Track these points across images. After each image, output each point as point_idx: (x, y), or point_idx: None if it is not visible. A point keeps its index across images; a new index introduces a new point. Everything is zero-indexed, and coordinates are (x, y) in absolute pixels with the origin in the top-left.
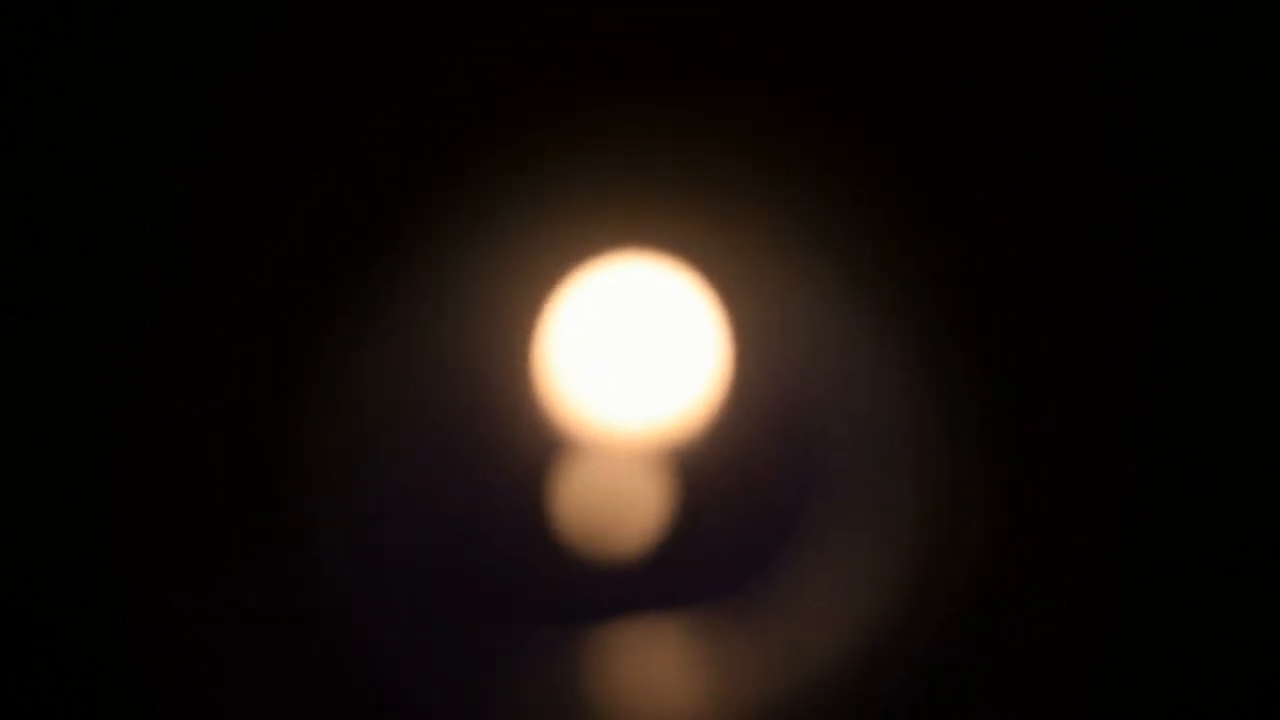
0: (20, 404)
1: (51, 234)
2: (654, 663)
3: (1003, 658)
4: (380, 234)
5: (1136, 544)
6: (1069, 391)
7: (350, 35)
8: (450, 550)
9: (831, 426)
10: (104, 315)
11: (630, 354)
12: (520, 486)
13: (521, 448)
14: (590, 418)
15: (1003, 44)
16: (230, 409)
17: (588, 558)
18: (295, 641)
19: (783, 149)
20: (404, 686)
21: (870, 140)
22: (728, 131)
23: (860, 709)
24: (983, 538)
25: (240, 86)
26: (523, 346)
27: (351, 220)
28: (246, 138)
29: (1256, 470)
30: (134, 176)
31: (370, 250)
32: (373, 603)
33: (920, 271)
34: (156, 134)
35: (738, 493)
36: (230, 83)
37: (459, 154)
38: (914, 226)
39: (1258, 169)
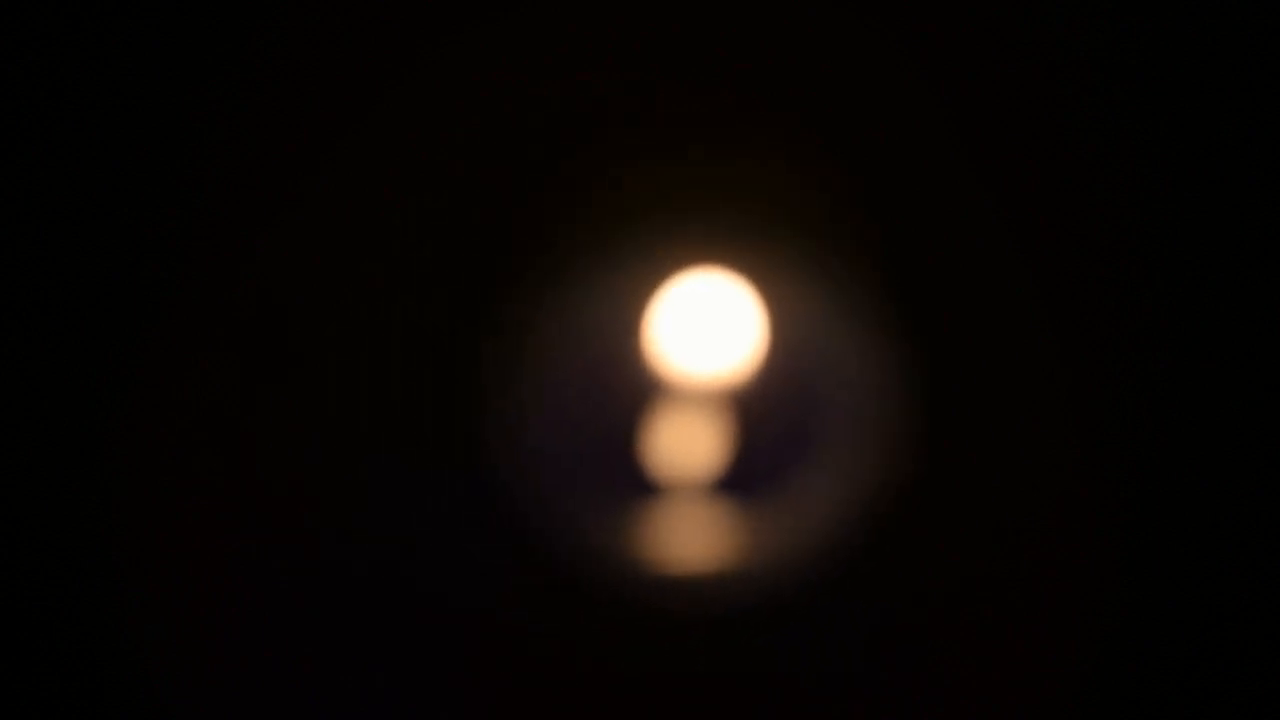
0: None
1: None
2: (707, 533)
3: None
4: (539, 247)
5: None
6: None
7: (463, 66)
8: (583, 452)
9: (833, 385)
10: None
11: (703, 333)
12: (630, 414)
13: (632, 391)
14: (676, 374)
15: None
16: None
17: (671, 464)
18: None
19: (813, 189)
20: (552, 532)
21: (870, 171)
22: (773, 175)
23: (845, 572)
24: (916, 459)
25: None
26: (635, 326)
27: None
28: (382, 155)
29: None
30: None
31: (531, 258)
32: (535, 483)
33: (897, 281)
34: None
35: (769, 425)
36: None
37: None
38: (902, 246)
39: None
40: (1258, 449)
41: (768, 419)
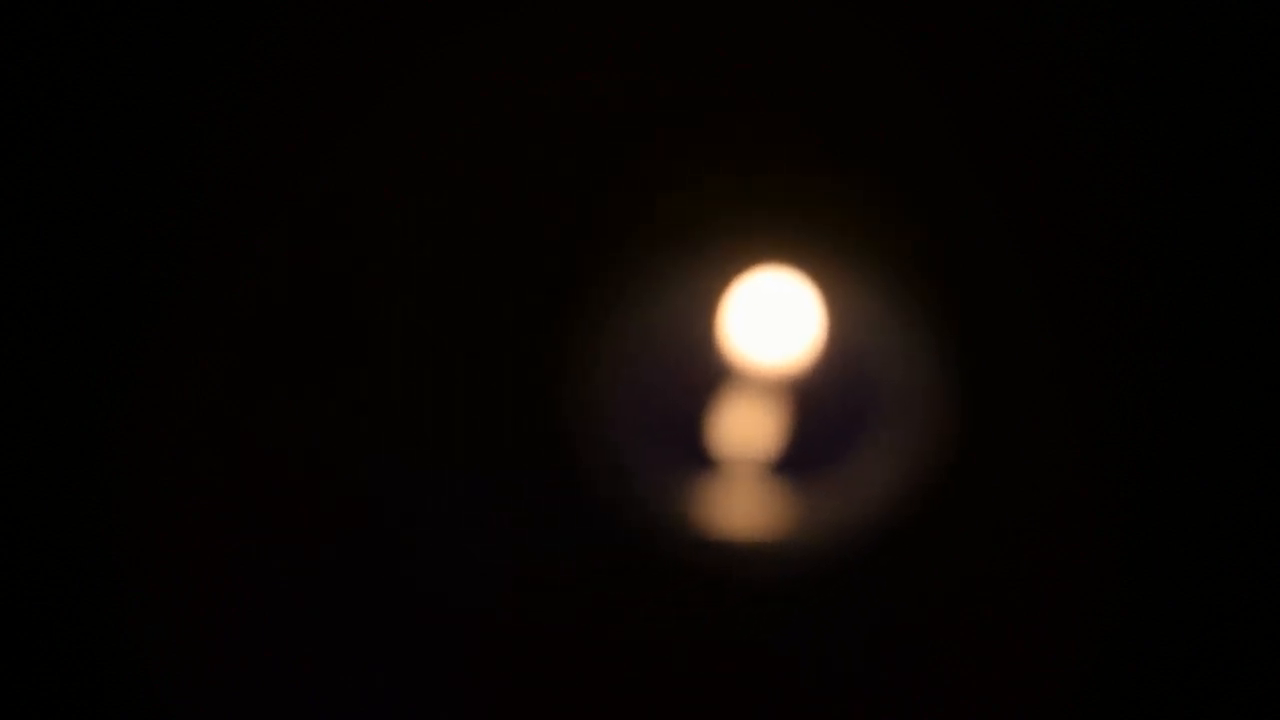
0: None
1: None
2: (762, 507)
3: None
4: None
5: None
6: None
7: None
8: (655, 430)
9: (881, 373)
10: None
11: (767, 325)
12: (698, 397)
13: (702, 376)
14: (742, 362)
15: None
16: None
17: (733, 443)
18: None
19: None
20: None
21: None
22: (834, 184)
23: (889, 540)
24: (955, 442)
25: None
26: (706, 318)
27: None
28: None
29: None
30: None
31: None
32: (618, 454)
33: (937, 284)
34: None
35: (823, 412)
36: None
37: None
38: (940, 250)
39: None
40: (1258, 449)
41: (822, 406)
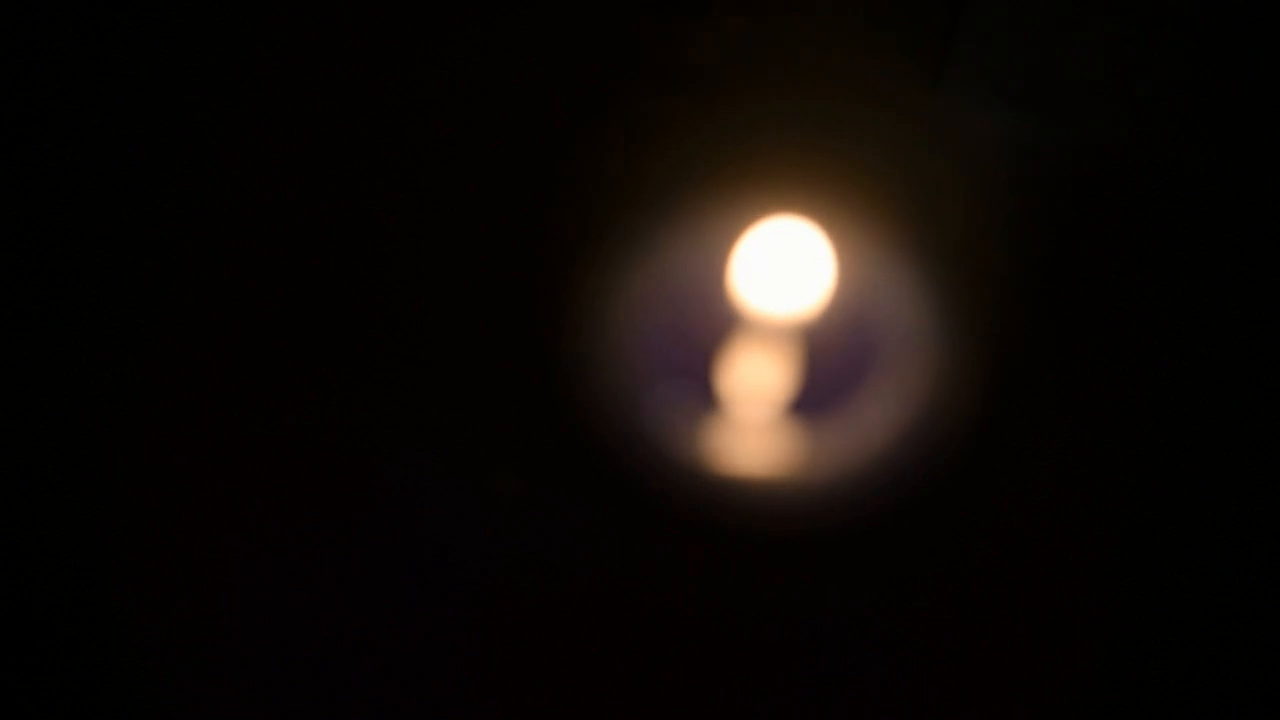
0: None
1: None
2: (772, 449)
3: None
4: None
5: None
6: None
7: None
8: (669, 375)
9: (890, 320)
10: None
11: (779, 272)
12: (712, 342)
13: (716, 322)
14: (755, 308)
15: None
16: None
17: (745, 387)
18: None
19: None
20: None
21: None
22: (848, 140)
23: (900, 483)
24: (966, 388)
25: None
26: (719, 269)
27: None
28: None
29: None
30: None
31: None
32: (625, 395)
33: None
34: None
35: (832, 358)
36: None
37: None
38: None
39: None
40: (1258, 449)
41: (831, 352)
